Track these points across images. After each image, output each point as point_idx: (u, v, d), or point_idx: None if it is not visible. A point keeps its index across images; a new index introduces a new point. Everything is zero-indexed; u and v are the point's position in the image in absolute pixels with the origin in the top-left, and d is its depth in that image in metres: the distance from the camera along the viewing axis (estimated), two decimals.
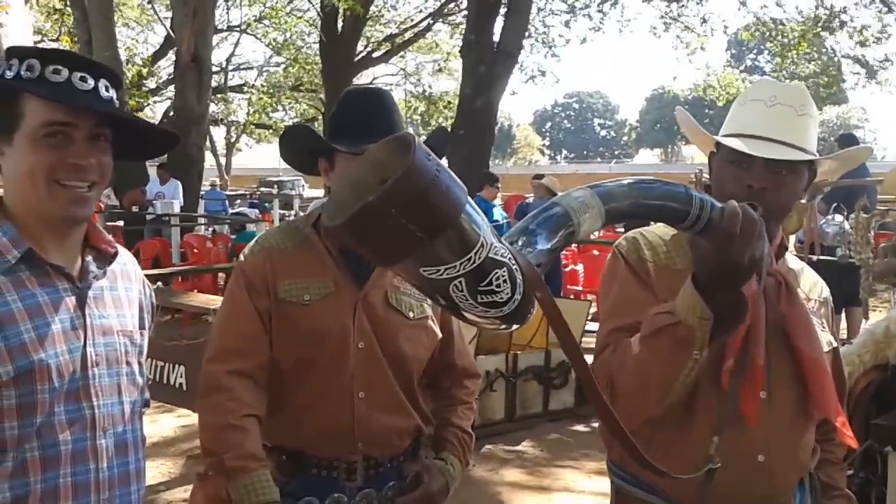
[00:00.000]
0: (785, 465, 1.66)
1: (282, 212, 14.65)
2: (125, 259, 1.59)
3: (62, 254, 1.43)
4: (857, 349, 2.72)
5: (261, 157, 45.73)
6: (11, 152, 1.39)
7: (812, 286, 1.82)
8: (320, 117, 22.67)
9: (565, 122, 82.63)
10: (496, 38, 13.31)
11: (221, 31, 23.01)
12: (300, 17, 22.87)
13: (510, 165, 60.10)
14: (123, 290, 1.54)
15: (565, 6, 19.29)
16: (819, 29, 17.07)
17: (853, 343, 2.80)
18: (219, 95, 24.64)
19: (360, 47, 20.47)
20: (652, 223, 1.58)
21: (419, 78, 24.92)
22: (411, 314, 1.92)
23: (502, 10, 13.53)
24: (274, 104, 28.00)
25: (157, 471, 4.70)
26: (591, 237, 9.17)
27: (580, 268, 10.43)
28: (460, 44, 14.95)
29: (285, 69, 25.81)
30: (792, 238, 6.87)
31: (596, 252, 10.37)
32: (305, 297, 1.85)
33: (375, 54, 21.68)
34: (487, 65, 12.91)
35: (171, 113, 15.84)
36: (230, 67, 27.05)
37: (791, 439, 1.67)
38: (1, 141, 1.39)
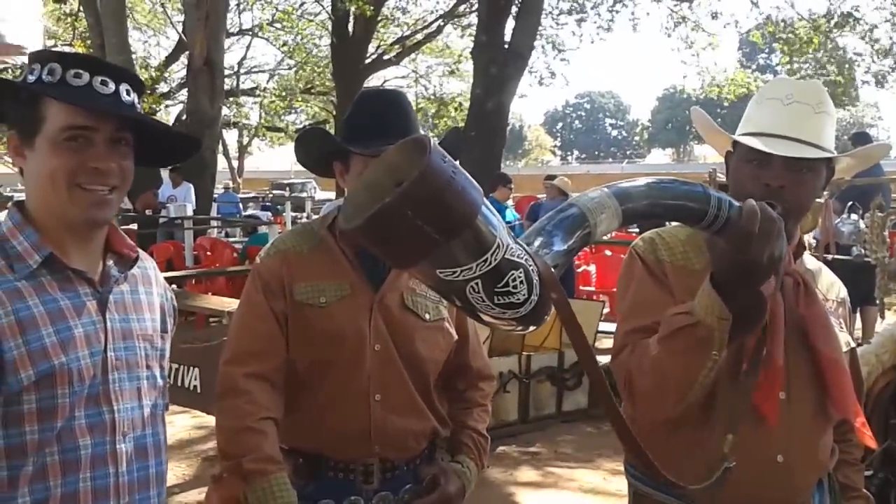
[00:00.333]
0: (804, 465, 1.65)
1: (294, 214, 14.67)
2: (146, 263, 1.59)
3: (83, 258, 1.44)
4: (876, 349, 2.70)
5: (272, 159, 45.82)
6: (33, 156, 1.39)
7: (829, 286, 1.81)
8: (332, 119, 22.70)
9: (576, 122, 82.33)
10: (507, 39, 13.29)
11: (233, 34, 23.11)
12: (311, 20, 22.90)
13: (522, 166, 59.99)
14: (144, 295, 1.54)
15: (576, 6, 19.24)
16: (831, 27, 16.91)
17: (871, 343, 2.78)
18: (231, 99, 24.73)
19: (371, 49, 20.48)
20: (668, 223, 1.58)
21: (429, 80, 24.93)
22: (427, 316, 1.92)
23: (513, 12, 13.50)
24: (286, 107, 28.09)
25: (171, 473, 4.72)
26: (604, 238, 9.13)
27: (593, 268, 10.42)
28: (471, 45, 14.91)
29: (297, 72, 25.86)
30: (807, 237, 6.83)
31: (609, 252, 10.36)
32: (322, 299, 1.85)
33: (386, 56, 21.68)
34: (498, 66, 12.87)
35: (184, 117, 15.88)
36: (242, 71, 27.16)
37: (810, 440, 1.66)
38: (23, 145, 1.40)
